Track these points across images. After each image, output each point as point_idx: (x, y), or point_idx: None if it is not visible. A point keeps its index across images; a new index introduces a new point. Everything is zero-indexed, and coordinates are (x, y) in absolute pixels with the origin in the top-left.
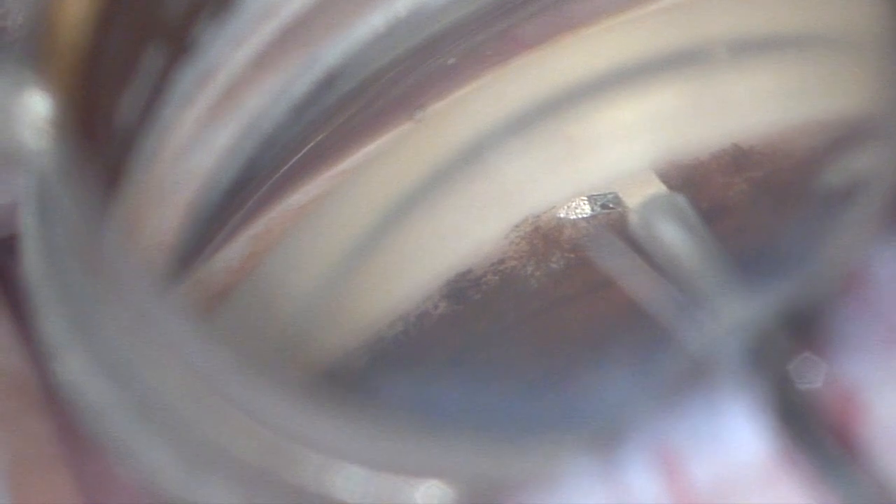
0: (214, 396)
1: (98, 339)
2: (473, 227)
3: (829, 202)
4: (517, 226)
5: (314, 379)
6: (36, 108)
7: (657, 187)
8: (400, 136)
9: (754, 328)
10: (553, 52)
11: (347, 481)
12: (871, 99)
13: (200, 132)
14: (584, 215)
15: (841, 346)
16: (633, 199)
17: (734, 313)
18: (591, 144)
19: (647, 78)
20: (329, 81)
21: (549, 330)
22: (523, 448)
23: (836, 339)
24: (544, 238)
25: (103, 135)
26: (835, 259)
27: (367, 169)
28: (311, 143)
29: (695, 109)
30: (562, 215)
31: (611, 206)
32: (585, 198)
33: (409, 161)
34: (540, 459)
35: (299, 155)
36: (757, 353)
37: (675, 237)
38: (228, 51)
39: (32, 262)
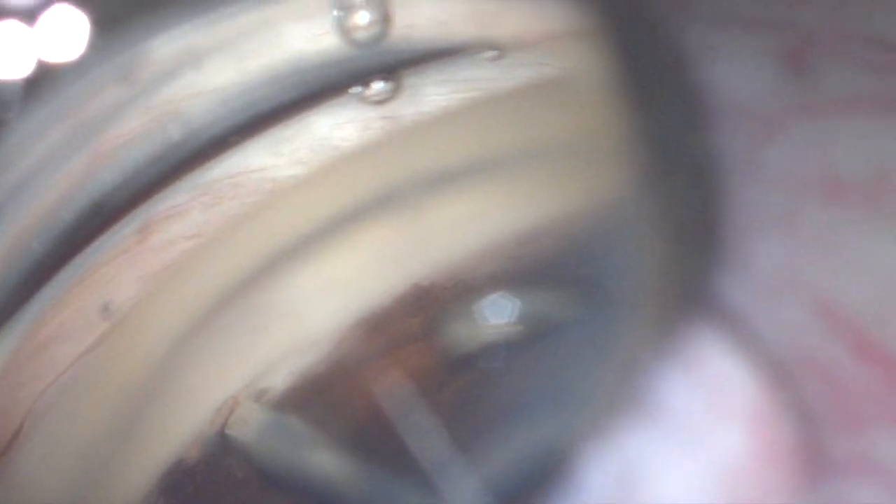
0: None
1: None
2: (182, 416)
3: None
4: (219, 409)
5: None
6: None
7: (265, 412)
8: (96, 337)
9: None
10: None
11: None
12: (574, 208)
13: None
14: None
15: None
16: (242, 428)
17: None
18: (278, 315)
19: (337, 234)
20: (96, 209)
21: None
22: None
23: None
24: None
25: None
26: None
27: (72, 388)
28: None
29: (380, 259)
30: (251, 397)
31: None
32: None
33: (109, 366)
34: None
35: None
36: None
37: (294, 462)
38: None
39: None
